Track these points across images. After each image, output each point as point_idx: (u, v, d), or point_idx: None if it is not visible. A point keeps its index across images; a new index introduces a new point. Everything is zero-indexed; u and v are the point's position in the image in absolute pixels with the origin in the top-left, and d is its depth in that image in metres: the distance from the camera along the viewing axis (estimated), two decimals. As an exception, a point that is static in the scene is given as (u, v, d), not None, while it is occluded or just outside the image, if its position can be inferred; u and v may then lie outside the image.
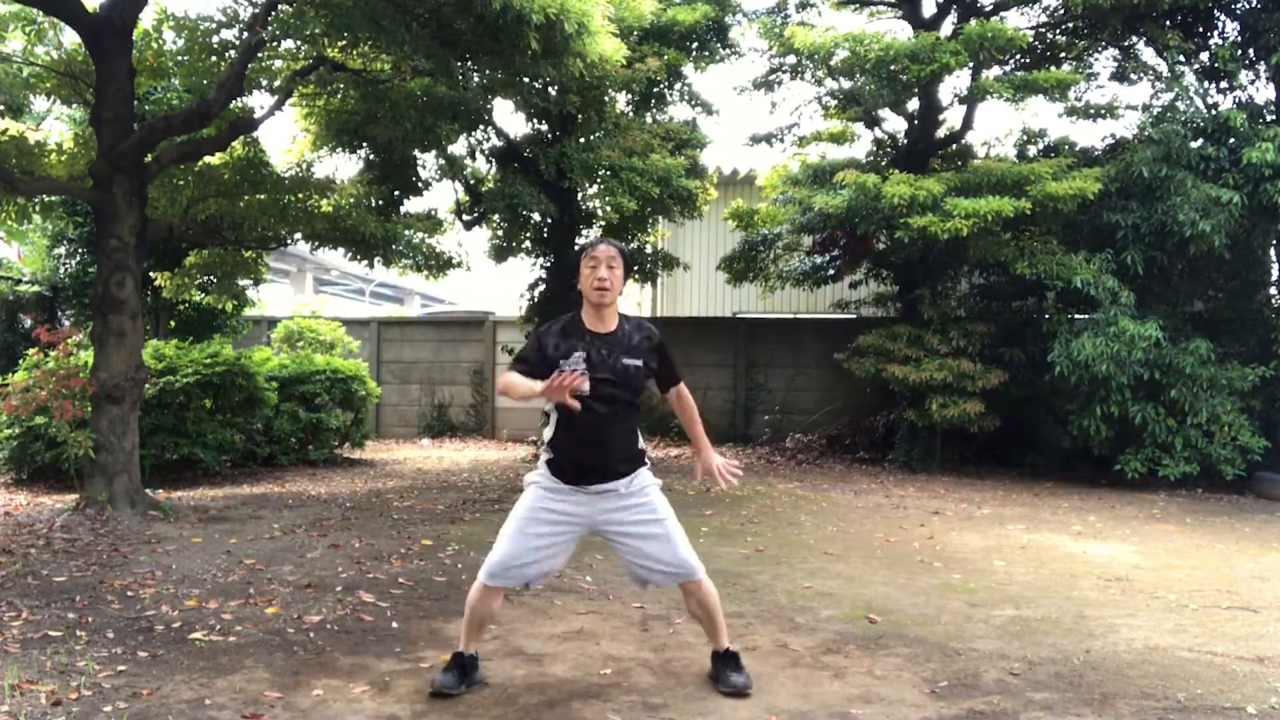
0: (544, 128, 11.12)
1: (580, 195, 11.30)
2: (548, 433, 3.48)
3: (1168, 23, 10.50)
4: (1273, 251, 10.38)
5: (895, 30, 12.56)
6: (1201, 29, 10.61)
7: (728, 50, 11.63)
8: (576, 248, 3.42)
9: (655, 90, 11.27)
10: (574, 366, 3.23)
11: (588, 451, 3.34)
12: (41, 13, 7.35)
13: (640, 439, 3.48)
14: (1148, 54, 10.97)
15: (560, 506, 3.35)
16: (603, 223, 11.61)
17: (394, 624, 4.27)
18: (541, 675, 3.59)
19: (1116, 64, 11.28)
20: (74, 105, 8.69)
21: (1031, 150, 11.36)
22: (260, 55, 7.80)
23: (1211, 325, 10.09)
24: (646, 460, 3.48)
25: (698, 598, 3.44)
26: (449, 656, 3.48)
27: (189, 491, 8.47)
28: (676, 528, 3.41)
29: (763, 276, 12.35)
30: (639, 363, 3.37)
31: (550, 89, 9.78)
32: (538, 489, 3.40)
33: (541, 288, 11.75)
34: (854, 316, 12.55)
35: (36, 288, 12.23)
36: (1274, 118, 9.92)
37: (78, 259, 11.22)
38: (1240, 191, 9.21)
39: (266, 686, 3.41)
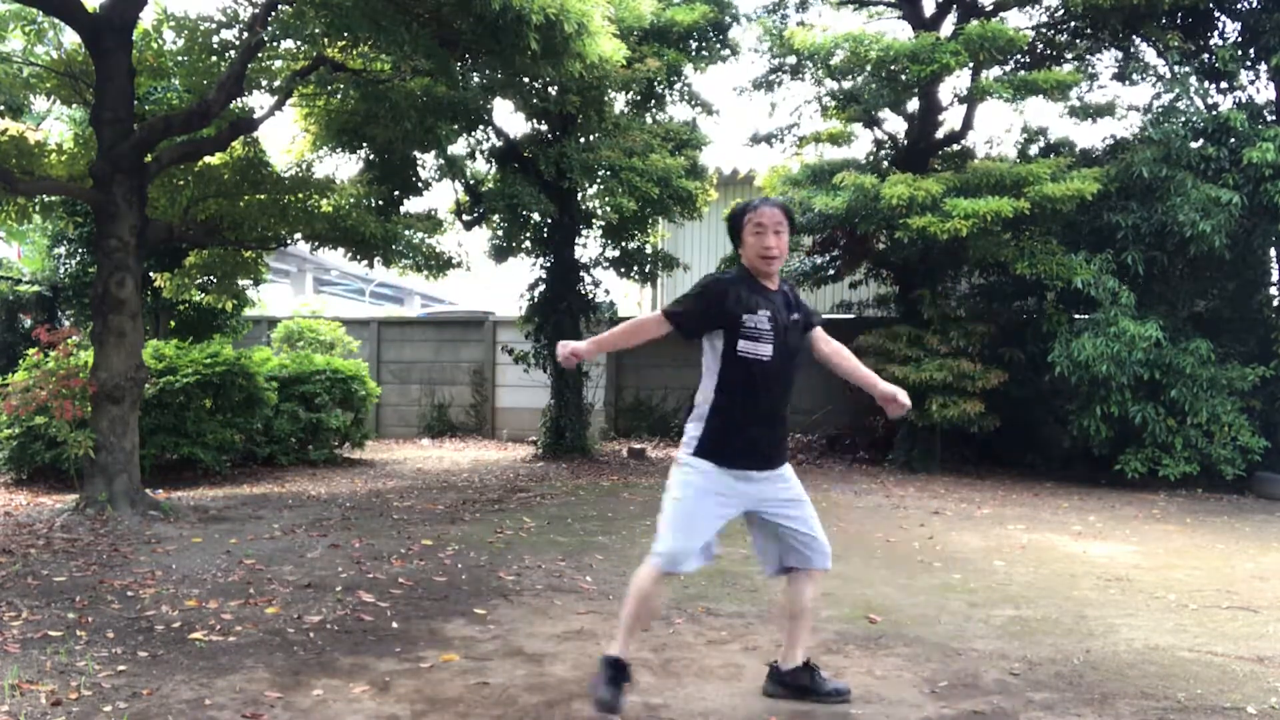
0: (544, 128, 11.13)
1: (580, 195, 11.31)
2: (705, 408, 3.22)
3: (1167, 23, 10.50)
4: (1273, 251, 10.37)
5: (895, 30, 12.58)
6: (1202, 29, 10.61)
7: (727, 50, 11.64)
8: (738, 207, 3.30)
9: (655, 90, 11.28)
10: (758, 323, 3.13)
11: (759, 427, 3.18)
12: (41, 13, 7.35)
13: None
14: (1149, 54, 10.98)
15: (724, 487, 3.17)
16: (602, 223, 11.62)
17: (394, 624, 4.27)
18: (541, 675, 3.59)
19: (1117, 65, 11.28)
20: (74, 105, 8.69)
21: (1032, 150, 11.35)
22: (260, 55, 7.80)
23: (1211, 325, 10.08)
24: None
25: (815, 588, 3.36)
26: (605, 667, 3.17)
27: (189, 491, 8.47)
28: (813, 509, 3.37)
29: (763, 277, 12.34)
30: (798, 316, 3.29)
31: (550, 89, 9.79)
32: (696, 472, 3.18)
33: (541, 288, 11.75)
34: (854, 317, 12.55)
35: (36, 288, 12.24)
36: (1274, 118, 9.92)
37: (78, 259, 11.23)
38: (1240, 191, 9.20)
39: (266, 686, 3.41)
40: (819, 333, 3.44)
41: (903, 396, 3.33)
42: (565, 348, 3.19)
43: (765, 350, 3.14)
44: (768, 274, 3.25)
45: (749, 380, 3.15)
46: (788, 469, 3.33)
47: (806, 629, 3.41)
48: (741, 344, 3.13)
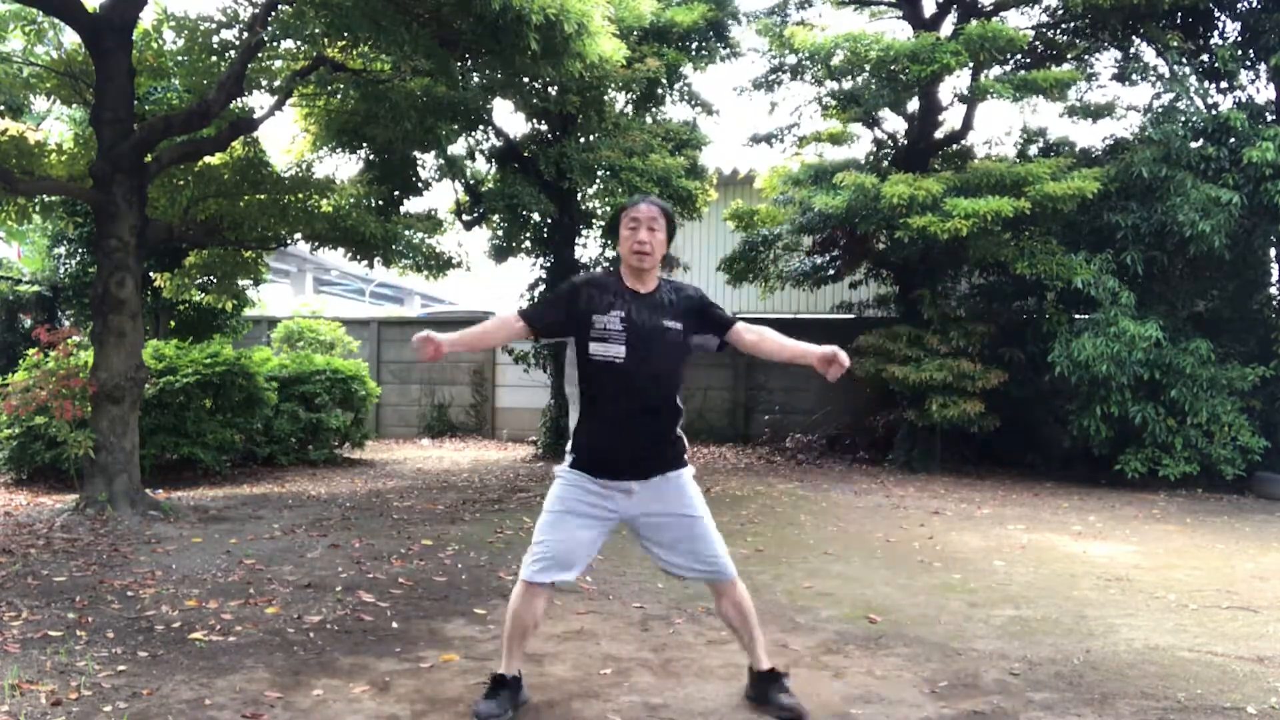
0: (544, 128, 11.12)
1: (580, 195, 11.31)
2: (573, 417, 3.19)
3: (1167, 23, 10.50)
4: (1273, 251, 10.37)
5: (895, 30, 12.56)
6: (1202, 29, 10.61)
7: (727, 50, 11.64)
8: (620, 205, 3.22)
9: (655, 90, 11.27)
10: (608, 324, 3.01)
11: (619, 436, 3.07)
12: (41, 13, 7.35)
13: (679, 431, 3.20)
14: (1149, 54, 10.98)
15: (591, 499, 3.11)
16: (602, 223, 11.62)
17: (394, 624, 4.27)
18: (541, 675, 3.59)
19: (1117, 65, 11.28)
20: (74, 105, 8.69)
21: (1032, 150, 11.35)
22: (260, 55, 7.80)
23: (1211, 325, 10.08)
24: (687, 460, 3.22)
25: (731, 599, 3.24)
26: (490, 681, 3.20)
27: (189, 491, 8.47)
28: (711, 525, 3.22)
29: (763, 277, 12.35)
30: (679, 325, 3.10)
31: (550, 89, 9.78)
32: (564, 483, 3.15)
33: (541, 288, 11.76)
34: (854, 317, 12.55)
35: (36, 288, 12.23)
36: (1274, 118, 9.92)
37: (78, 259, 11.23)
38: (1240, 191, 9.20)
39: (266, 686, 3.41)
40: (737, 330, 3.21)
41: (842, 356, 3.07)
42: (423, 337, 2.96)
43: (617, 351, 3.01)
44: (639, 270, 3.12)
45: (605, 384, 3.04)
46: (682, 481, 3.18)
47: (750, 634, 3.26)
48: (592, 346, 3.04)
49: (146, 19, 7.68)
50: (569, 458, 3.17)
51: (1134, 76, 10.81)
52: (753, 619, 3.28)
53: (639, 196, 3.28)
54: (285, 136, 10.56)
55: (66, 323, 11.98)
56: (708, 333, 3.21)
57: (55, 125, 10.86)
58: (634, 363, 3.03)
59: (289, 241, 9.30)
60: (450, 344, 3.02)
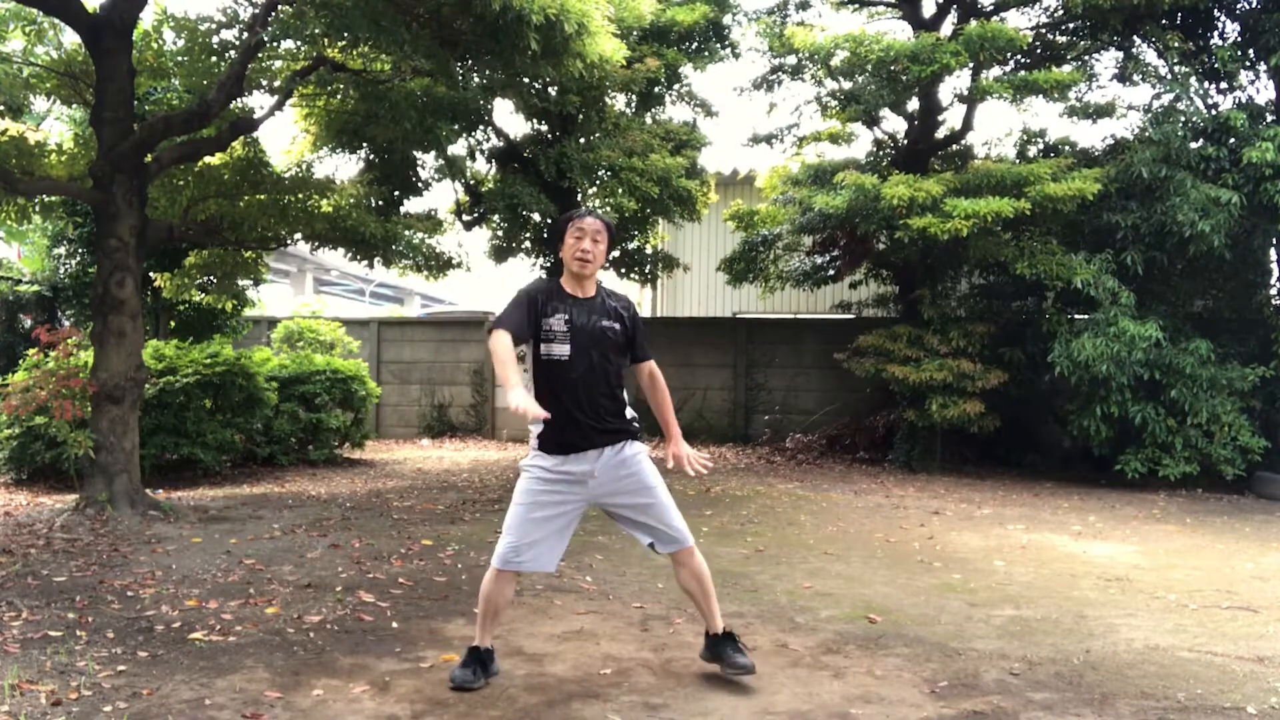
0: (544, 128, 11.13)
1: (580, 195, 11.31)
2: None
3: (1167, 23, 10.50)
4: (1273, 251, 10.37)
5: (895, 31, 12.58)
6: (1202, 30, 10.61)
7: (727, 50, 11.65)
8: (563, 216, 3.60)
9: (655, 90, 11.28)
10: (553, 325, 3.39)
11: (571, 422, 3.39)
12: (41, 13, 7.35)
13: (628, 409, 3.53)
14: (1149, 55, 10.98)
15: (557, 489, 3.41)
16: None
17: (394, 624, 4.27)
18: (541, 675, 3.59)
19: (1117, 65, 11.28)
20: (74, 105, 8.70)
21: (1032, 150, 11.35)
22: (260, 55, 7.80)
23: (1211, 325, 10.08)
24: (637, 432, 3.54)
25: (690, 568, 3.54)
26: (465, 651, 3.51)
27: (189, 491, 8.47)
28: (668, 496, 3.53)
29: (763, 277, 12.35)
30: (615, 325, 3.50)
31: (550, 89, 9.78)
32: (531, 477, 3.45)
33: (541, 288, 11.75)
34: (854, 317, 12.55)
35: (36, 288, 12.23)
36: (1274, 118, 9.92)
37: (78, 259, 11.22)
38: (1240, 191, 9.20)
39: (266, 686, 3.41)
40: (643, 366, 3.65)
41: (686, 466, 3.59)
42: (522, 411, 3.17)
43: (562, 350, 3.39)
44: (580, 276, 3.48)
45: (554, 379, 3.40)
46: (639, 457, 3.49)
47: (708, 601, 3.56)
48: (543, 346, 3.41)
49: (146, 19, 7.69)
50: (534, 442, 3.47)
51: (1134, 77, 10.81)
52: (709, 586, 3.59)
53: (585, 209, 3.64)
54: (285, 136, 10.62)
55: (66, 323, 11.98)
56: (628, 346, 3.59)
57: (55, 125, 10.86)
58: (577, 360, 3.40)
59: (289, 241, 9.30)
60: (518, 385, 3.20)
